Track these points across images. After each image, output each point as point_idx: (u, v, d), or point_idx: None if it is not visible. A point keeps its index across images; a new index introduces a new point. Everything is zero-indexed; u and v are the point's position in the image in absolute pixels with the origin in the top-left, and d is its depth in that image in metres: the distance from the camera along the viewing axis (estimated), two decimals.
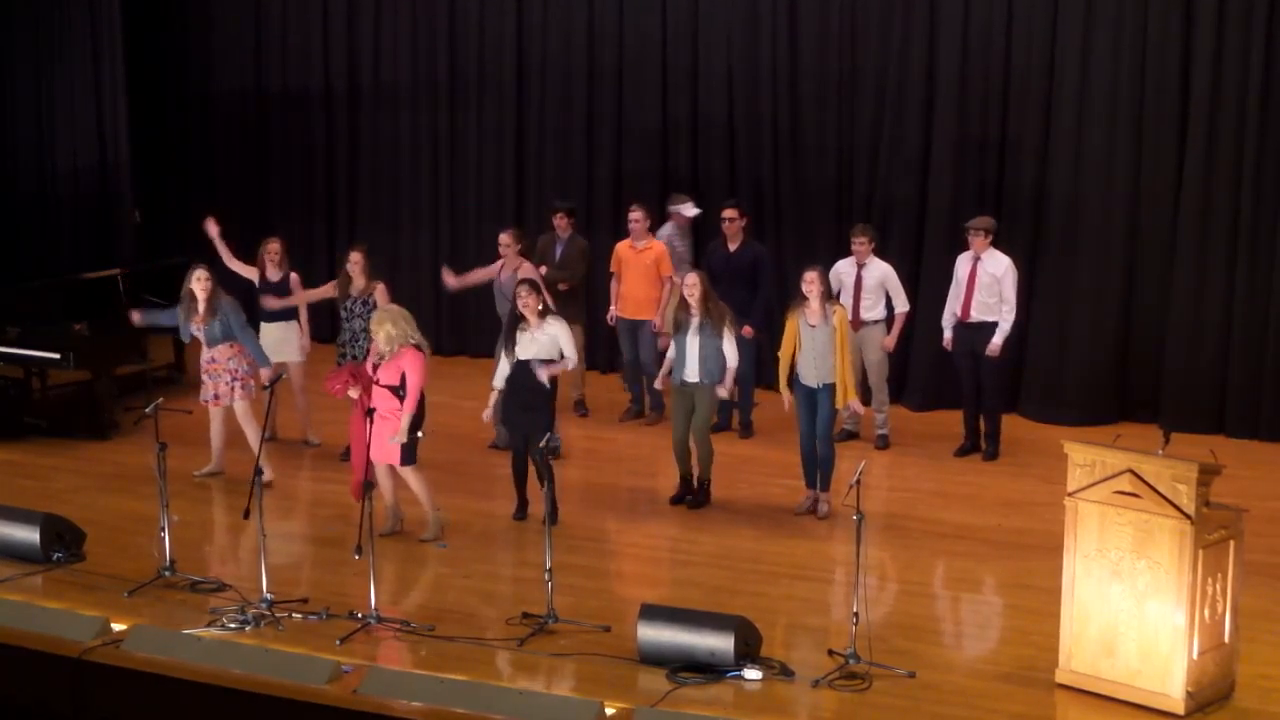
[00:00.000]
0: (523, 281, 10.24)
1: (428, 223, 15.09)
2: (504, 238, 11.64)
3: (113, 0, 15.48)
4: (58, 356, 12.00)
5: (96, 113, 15.62)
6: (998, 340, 11.28)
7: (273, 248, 11.77)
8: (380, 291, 11.16)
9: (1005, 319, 11.29)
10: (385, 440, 9.52)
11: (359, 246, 11.49)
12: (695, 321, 10.18)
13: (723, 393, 10.45)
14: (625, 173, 14.10)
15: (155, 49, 16.04)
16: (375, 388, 9.58)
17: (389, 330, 9.51)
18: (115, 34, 15.52)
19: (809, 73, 13.26)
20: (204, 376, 10.89)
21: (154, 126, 16.07)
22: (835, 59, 13.14)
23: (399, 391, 9.53)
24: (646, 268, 12.15)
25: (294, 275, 11.78)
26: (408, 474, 9.75)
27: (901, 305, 11.72)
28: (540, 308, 10.00)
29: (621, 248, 12.37)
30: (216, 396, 10.84)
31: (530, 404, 9.97)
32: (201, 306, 10.71)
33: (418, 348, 9.59)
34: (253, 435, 10.61)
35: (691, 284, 10.22)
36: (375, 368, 9.60)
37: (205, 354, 10.84)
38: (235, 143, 15.91)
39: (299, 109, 15.56)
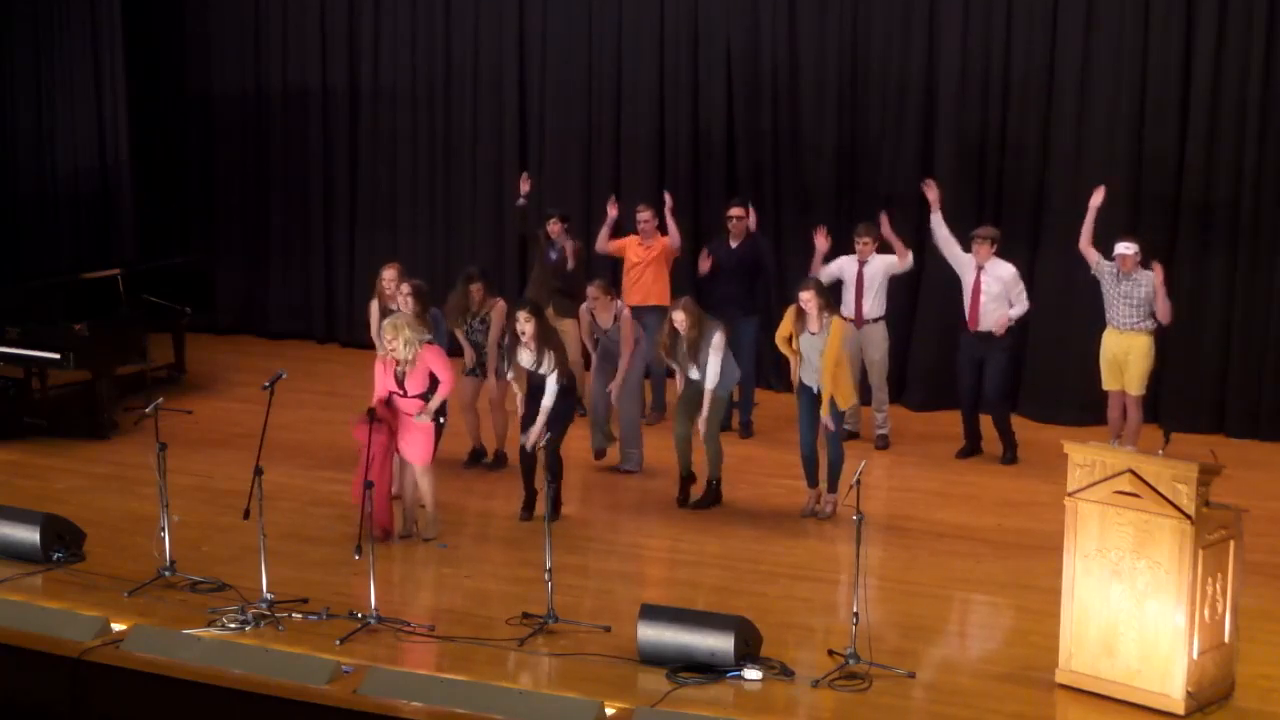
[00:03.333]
0: (521, 307, 10.19)
1: (425, 223, 15.08)
2: (591, 290, 11.16)
3: (113, 0, 15.49)
4: (58, 356, 11.99)
5: (96, 113, 15.62)
6: (1008, 317, 11.20)
7: (388, 275, 11.02)
8: (499, 309, 10.95)
9: (1019, 307, 11.26)
10: (411, 436, 9.56)
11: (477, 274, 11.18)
12: (687, 349, 10.19)
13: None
14: (625, 173, 14.10)
15: (155, 49, 16.03)
16: (404, 400, 9.55)
17: (407, 335, 9.45)
18: (115, 34, 15.54)
19: (809, 74, 13.25)
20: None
21: (154, 126, 16.07)
22: (836, 60, 13.14)
23: (428, 396, 9.56)
24: (650, 262, 12.22)
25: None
26: (422, 472, 9.74)
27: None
28: (537, 334, 9.95)
29: (630, 241, 12.36)
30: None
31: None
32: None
33: (429, 343, 9.63)
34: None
35: (679, 320, 10.14)
36: (399, 381, 9.56)
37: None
38: (235, 142, 15.90)
39: (299, 109, 15.56)
